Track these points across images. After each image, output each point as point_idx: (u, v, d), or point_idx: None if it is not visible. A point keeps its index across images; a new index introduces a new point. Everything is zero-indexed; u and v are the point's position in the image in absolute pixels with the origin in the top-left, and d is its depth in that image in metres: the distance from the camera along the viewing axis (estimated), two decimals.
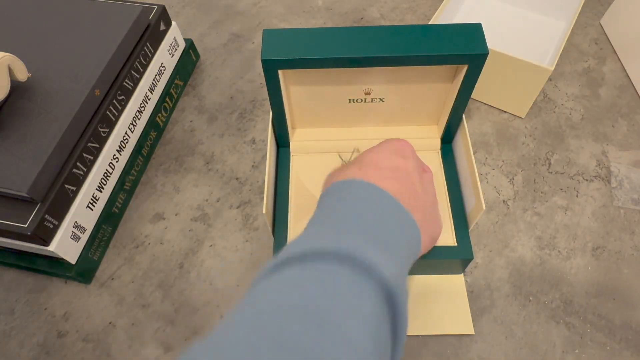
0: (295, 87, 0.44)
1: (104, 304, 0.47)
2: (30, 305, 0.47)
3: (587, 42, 0.67)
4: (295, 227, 0.45)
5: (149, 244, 0.51)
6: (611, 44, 0.66)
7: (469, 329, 0.44)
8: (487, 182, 0.54)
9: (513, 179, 0.54)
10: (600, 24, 0.69)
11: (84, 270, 0.47)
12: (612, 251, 0.49)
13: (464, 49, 0.38)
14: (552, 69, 0.51)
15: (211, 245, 0.50)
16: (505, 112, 0.60)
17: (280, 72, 0.40)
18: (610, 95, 0.61)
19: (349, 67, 0.40)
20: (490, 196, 0.53)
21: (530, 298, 0.46)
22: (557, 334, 0.44)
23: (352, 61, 0.39)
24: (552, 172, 0.54)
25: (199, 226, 0.52)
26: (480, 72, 0.40)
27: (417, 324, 0.44)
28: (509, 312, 0.45)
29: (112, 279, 0.49)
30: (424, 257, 0.43)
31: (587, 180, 0.54)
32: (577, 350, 0.43)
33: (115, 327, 0.46)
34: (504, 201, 0.52)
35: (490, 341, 0.44)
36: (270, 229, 0.44)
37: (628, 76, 0.63)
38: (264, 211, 0.41)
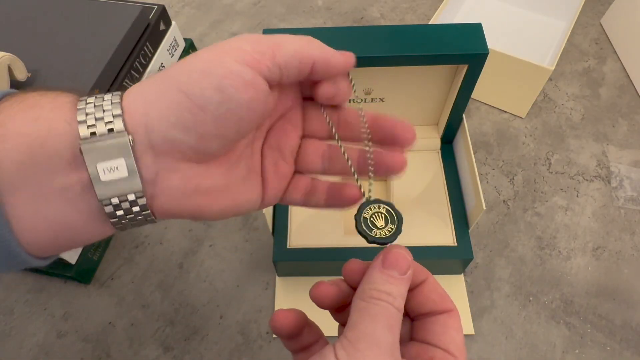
0: None
1: (104, 304, 0.47)
2: (30, 305, 0.47)
3: (588, 42, 0.67)
4: (296, 226, 0.45)
5: (149, 244, 0.51)
6: (611, 44, 0.66)
7: (469, 329, 0.44)
8: (487, 182, 0.54)
9: (513, 179, 0.54)
10: (601, 24, 0.69)
11: (83, 270, 0.47)
12: (613, 251, 0.49)
13: (464, 48, 0.38)
14: (552, 68, 0.51)
15: (211, 245, 0.50)
16: (505, 112, 0.60)
17: None
18: (611, 95, 0.61)
19: None
20: (491, 196, 0.53)
21: (531, 298, 0.46)
22: (557, 334, 0.44)
23: None
24: (552, 172, 0.54)
25: (198, 226, 0.52)
26: (480, 72, 0.40)
27: None
28: (509, 312, 0.45)
29: (112, 279, 0.48)
30: (424, 256, 0.43)
31: (587, 180, 0.54)
32: (577, 351, 0.43)
33: (115, 327, 0.46)
34: (504, 201, 0.52)
35: (491, 341, 0.44)
36: (270, 228, 0.44)
37: (628, 76, 0.63)
38: (264, 210, 0.41)
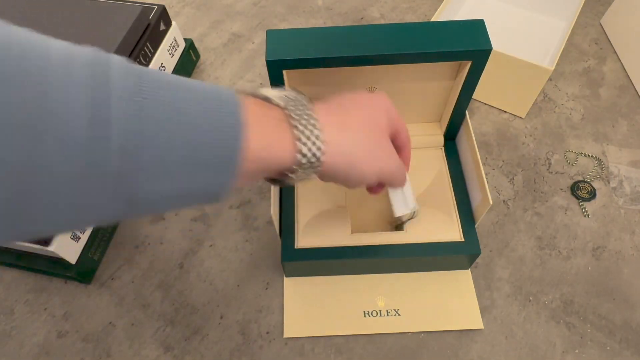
0: (299, 87, 0.44)
1: (104, 304, 0.47)
2: (30, 305, 0.47)
3: (587, 42, 0.67)
4: (303, 227, 0.45)
5: (149, 244, 0.51)
6: (611, 44, 0.66)
7: (478, 324, 0.44)
8: (487, 182, 0.54)
9: (513, 179, 0.54)
10: (601, 24, 0.69)
11: (84, 270, 0.47)
12: (612, 251, 0.49)
13: (467, 45, 0.38)
14: (552, 69, 0.51)
15: (211, 245, 0.50)
16: (505, 112, 0.60)
17: (284, 72, 0.40)
18: (610, 95, 0.61)
19: (353, 66, 0.40)
20: (491, 196, 0.53)
21: (530, 298, 0.46)
22: (557, 334, 0.44)
23: (356, 60, 0.39)
24: (552, 172, 0.54)
25: (198, 226, 0.52)
26: (483, 68, 0.40)
27: (425, 320, 0.44)
28: (509, 312, 0.45)
29: (112, 279, 0.48)
30: (432, 253, 0.43)
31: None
32: (577, 350, 0.43)
33: (115, 327, 0.46)
34: (504, 201, 0.52)
35: (491, 341, 0.44)
36: (277, 230, 0.44)
37: (628, 76, 0.63)
38: (272, 212, 0.41)
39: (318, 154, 0.28)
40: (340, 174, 0.30)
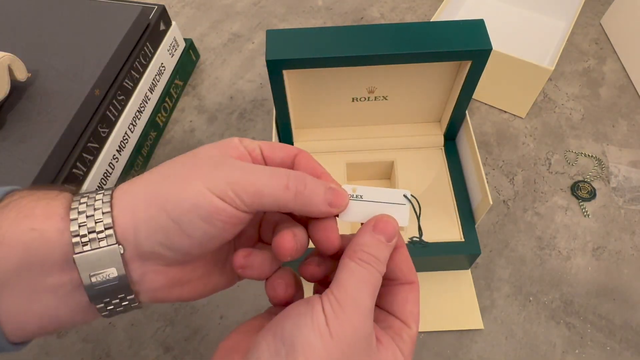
0: (299, 87, 0.44)
1: None
2: None
3: (587, 42, 0.67)
4: None
5: None
6: (611, 44, 0.66)
7: (478, 324, 0.44)
8: (487, 182, 0.54)
9: (513, 179, 0.54)
10: (601, 24, 0.69)
11: None
12: (612, 251, 0.49)
13: (467, 45, 0.38)
14: (552, 68, 0.51)
15: None
16: (505, 112, 0.60)
17: (284, 72, 0.40)
18: (611, 95, 0.61)
19: (353, 66, 0.40)
20: (491, 196, 0.53)
21: (530, 298, 0.46)
22: (557, 334, 0.44)
23: (356, 60, 0.39)
24: (552, 172, 0.54)
25: None
26: (484, 68, 0.40)
27: (426, 321, 0.44)
28: (509, 312, 0.45)
29: None
30: (432, 253, 0.43)
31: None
32: (577, 351, 0.43)
33: (115, 327, 0.46)
34: (504, 201, 0.52)
35: (490, 341, 0.44)
36: None
37: (628, 76, 0.63)
38: None
39: (102, 213, 0.21)
40: (159, 219, 0.21)
